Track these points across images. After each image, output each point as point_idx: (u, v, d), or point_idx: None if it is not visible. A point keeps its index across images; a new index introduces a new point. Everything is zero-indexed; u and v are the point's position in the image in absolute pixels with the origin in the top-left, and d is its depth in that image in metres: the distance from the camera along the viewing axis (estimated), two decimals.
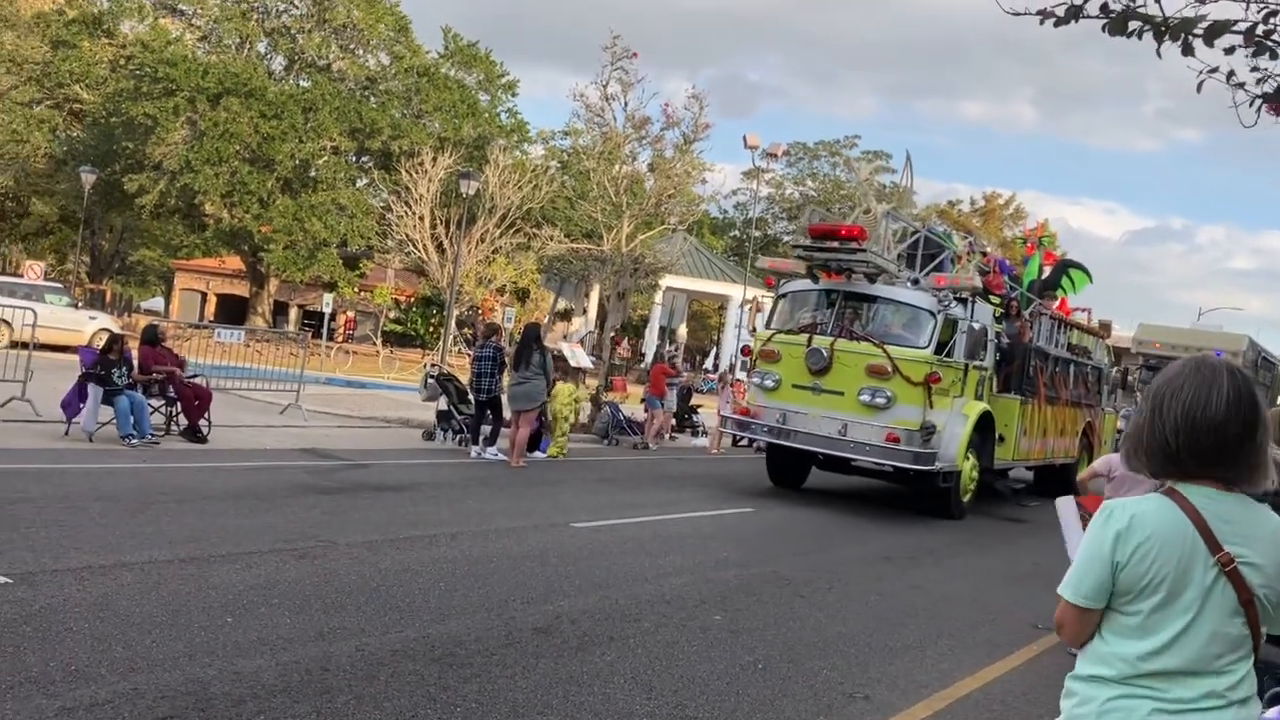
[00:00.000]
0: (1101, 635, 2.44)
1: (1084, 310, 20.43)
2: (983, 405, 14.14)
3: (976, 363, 14.04)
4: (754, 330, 14.87)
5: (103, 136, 41.78)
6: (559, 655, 5.94)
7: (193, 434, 12.95)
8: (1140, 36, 3.77)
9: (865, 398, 13.01)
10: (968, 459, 13.78)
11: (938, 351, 13.28)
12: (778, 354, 13.88)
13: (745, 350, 15.34)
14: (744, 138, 32.24)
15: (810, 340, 13.47)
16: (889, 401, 12.94)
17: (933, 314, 13.39)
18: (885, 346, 13.07)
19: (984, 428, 14.25)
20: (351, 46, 43.29)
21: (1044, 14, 3.89)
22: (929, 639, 7.46)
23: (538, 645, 6.08)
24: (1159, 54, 3.79)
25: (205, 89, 37.67)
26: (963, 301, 13.88)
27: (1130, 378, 24.33)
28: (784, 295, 14.85)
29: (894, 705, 5.84)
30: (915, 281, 14.10)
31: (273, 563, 7.28)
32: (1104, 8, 3.79)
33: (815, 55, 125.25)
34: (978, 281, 13.98)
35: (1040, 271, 18.59)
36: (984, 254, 17.52)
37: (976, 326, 13.60)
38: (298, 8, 42.33)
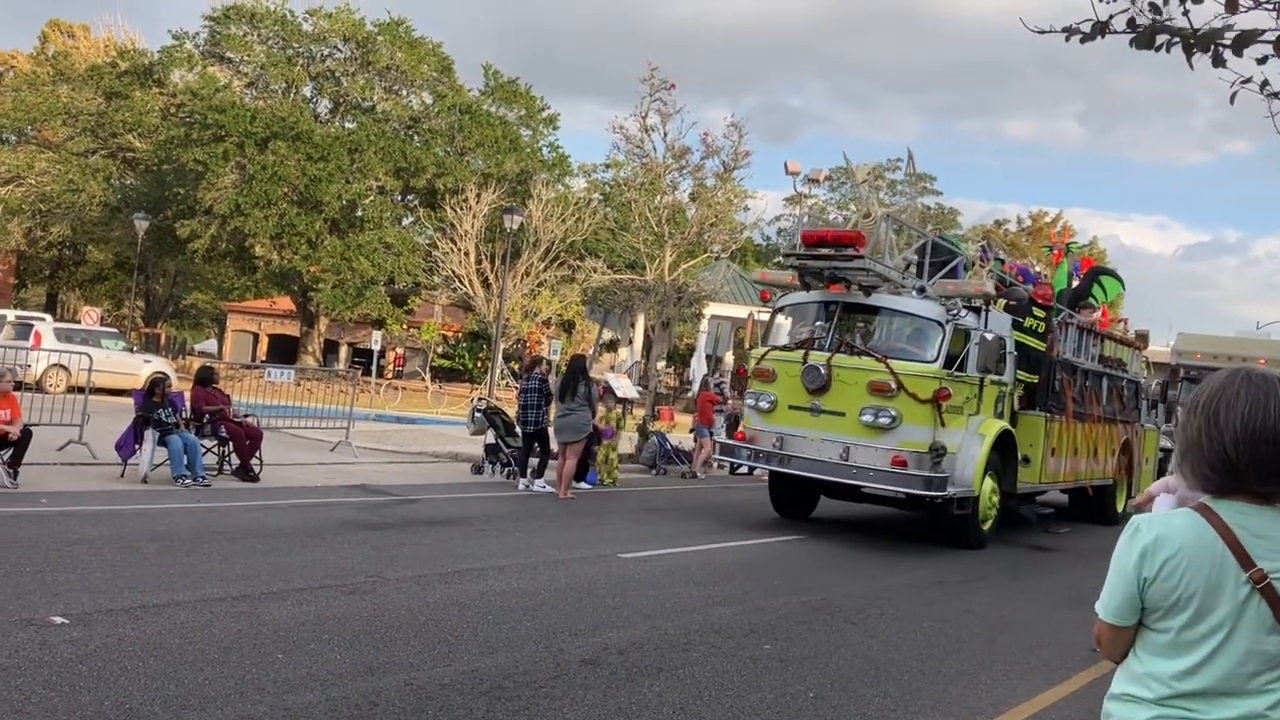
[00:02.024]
0: (1136, 654, 2.40)
1: (1120, 321, 19.80)
2: (1002, 424, 13.08)
3: (994, 377, 12.96)
4: (750, 348, 13.84)
5: (155, 183, 42.75)
6: (607, 687, 5.92)
7: (244, 473, 13.12)
8: (1169, 50, 3.74)
9: (867, 418, 11.97)
10: (986, 483, 12.75)
11: (948, 365, 12.22)
12: (773, 373, 12.79)
13: (740, 370, 14.34)
14: (785, 164, 32.20)
15: (806, 356, 12.45)
16: (894, 421, 11.88)
17: (941, 324, 12.33)
18: (888, 361, 12.04)
19: (1005, 448, 13.22)
20: (395, 87, 43.97)
21: (1069, 31, 3.88)
22: (983, 665, 7.34)
23: (586, 677, 6.07)
24: (1191, 66, 3.77)
25: (253, 134, 38.44)
26: (975, 310, 12.88)
27: (1171, 391, 23.18)
28: (780, 309, 13.82)
29: None
30: (921, 290, 12.88)
31: (323, 599, 7.34)
32: (1130, 22, 3.77)
33: (856, 79, 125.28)
34: (989, 287, 12.95)
35: (1070, 280, 17.62)
36: (1003, 261, 16.51)
37: (990, 337, 12.44)
38: (342, 51, 43.11)
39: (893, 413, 11.88)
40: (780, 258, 14.85)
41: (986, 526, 13.03)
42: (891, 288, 12.95)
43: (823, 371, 12.18)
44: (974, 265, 14.25)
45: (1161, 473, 20.68)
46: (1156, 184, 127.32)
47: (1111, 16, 3.79)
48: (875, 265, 12.39)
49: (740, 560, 10.76)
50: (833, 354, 12.34)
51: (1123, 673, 2.43)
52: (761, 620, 7.97)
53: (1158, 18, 3.77)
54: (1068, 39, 3.86)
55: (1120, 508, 17.60)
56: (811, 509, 14.30)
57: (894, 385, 11.90)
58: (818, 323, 13.12)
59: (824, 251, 12.32)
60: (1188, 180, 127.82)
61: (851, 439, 12.07)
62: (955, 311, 12.37)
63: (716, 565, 10.29)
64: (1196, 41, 3.62)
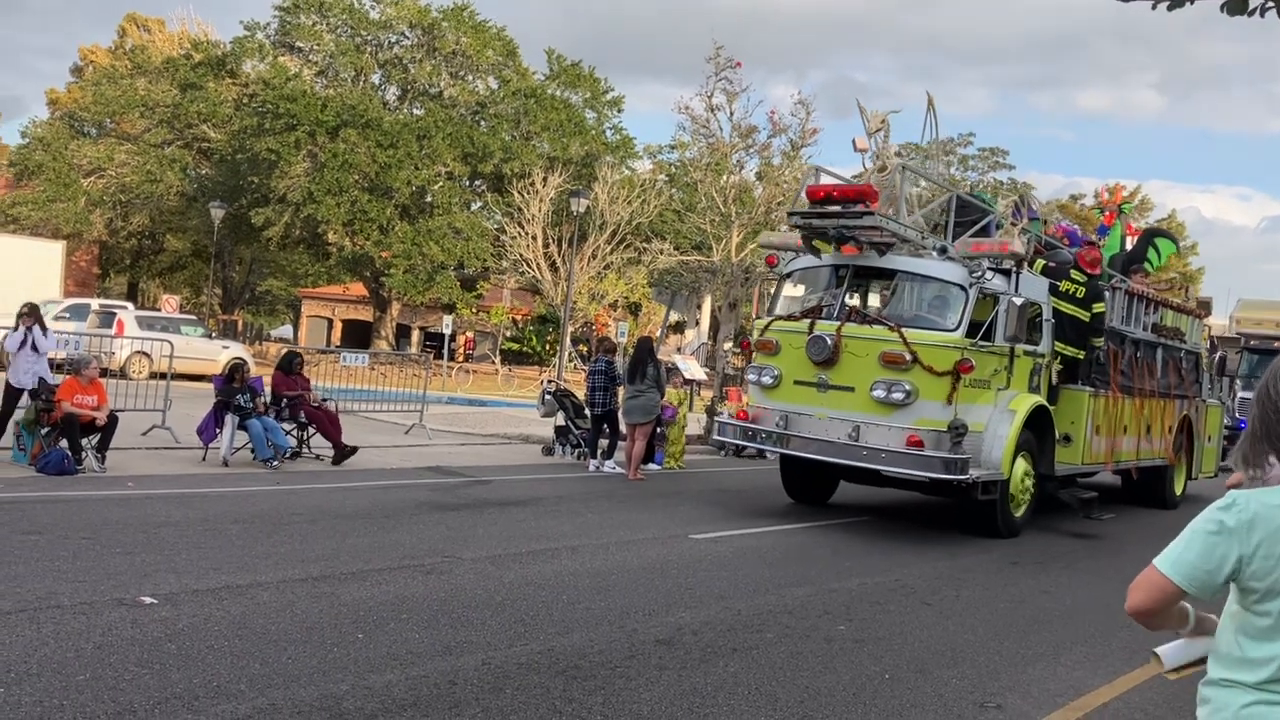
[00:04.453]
0: (1236, 639, 2.33)
1: (1180, 287, 18.80)
2: (1036, 399, 11.88)
3: (1027, 347, 11.79)
4: (755, 318, 12.91)
5: (230, 173, 43.62)
6: (682, 667, 5.94)
7: (340, 454, 13.29)
8: (1263, 14, 3.60)
9: (879, 393, 10.79)
10: (1018, 464, 11.58)
11: (972, 334, 11.01)
12: (776, 345, 11.69)
13: (744, 343, 13.22)
14: (853, 141, 31.82)
15: (812, 326, 11.32)
16: (908, 396, 10.71)
17: (963, 288, 11.14)
18: (902, 330, 10.88)
19: (1040, 426, 12.02)
20: (461, 73, 44.28)
21: None
22: (1062, 646, 7.24)
23: (660, 657, 6.09)
24: None
25: (324, 122, 39.00)
26: (1005, 273, 11.57)
27: (1230, 362, 21.04)
28: (788, 275, 12.59)
29: (1027, 715, 5.68)
30: (943, 250, 11.63)
31: (401, 579, 7.46)
32: None
33: (924, 53, 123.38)
34: (1018, 246, 11.56)
35: (1122, 244, 16.46)
36: (1045, 222, 15.40)
37: (1018, 301, 11.20)
38: (409, 38, 43.52)
39: (907, 387, 10.75)
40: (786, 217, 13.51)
41: (1019, 513, 11.87)
42: (911, 249, 11.76)
43: (829, 342, 11.03)
44: (1006, 224, 13.11)
45: (1227, 453, 19.85)
46: (1239, 154, 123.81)
47: None
48: (888, 223, 11.17)
49: (811, 541, 10.71)
50: (842, 323, 11.24)
51: (1219, 658, 2.37)
52: (835, 601, 7.93)
53: None
54: (1154, 7, 3.73)
55: (1180, 490, 16.47)
56: (830, 493, 13.38)
57: (908, 356, 10.77)
58: (828, 289, 11.99)
59: (831, 209, 11.14)
60: (1273, 149, 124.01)
61: (862, 416, 10.98)
62: (980, 274, 11.17)
63: (788, 546, 10.26)
64: None
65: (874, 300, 12.32)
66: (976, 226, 12.35)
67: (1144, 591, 2.35)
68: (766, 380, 11.75)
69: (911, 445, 10.68)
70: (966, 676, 6.26)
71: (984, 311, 11.28)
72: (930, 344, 10.87)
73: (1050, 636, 7.48)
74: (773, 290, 12.97)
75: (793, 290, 12.60)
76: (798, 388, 11.49)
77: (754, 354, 12.20)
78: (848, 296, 11.76)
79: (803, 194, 11.79)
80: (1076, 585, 9.49)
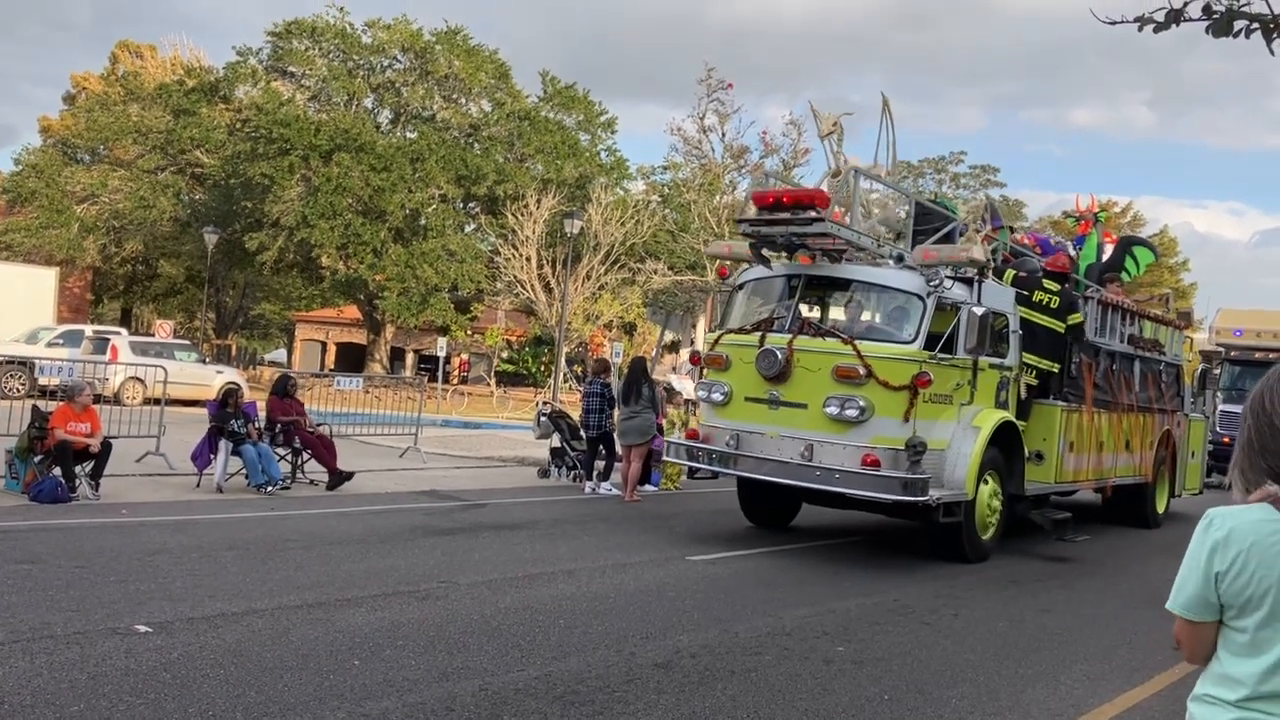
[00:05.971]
0: (1218, 654, 2.34)
1: (1160, 297, 18.55)
2: (1002, 414, 11.26)
3: (993, 360, 11.25)
4: (710, 330, 12.15)
5: (223, 198, 43.63)
6: (680, 691, 5.91)
7: (336, 479, 13.22)
8: (1248, 35, 3.63)
9: (833, 410, 10.19)
10: (984, 484, 11.01)
11: (930, 345, 10.42)
12: (726, 360, 11.09)
13: (694, 358, 12.69)
14: (845, 159, 31.86)
15: (763, 339, 10.76)
16: (863, 413, 10.11)
17: (920, 298, 10.57)
18: (855, 342, 10.30)
19: (1008, 443, 11.43)
20: (454, 96, 44.39)
21: (1142, 20, 3.77)
22: (1062, 665, 7.21)
23: (659, 681, 6.06)
24: (1271, 51, 3.65)
25: (317, 146, 39.06)
26: (967, 282, 11.06)
27: (1215, 371, 20.37)
28: (741, 286, 12.00)
29: None
30: (899, 258, 11.13)
31: (396, 605, 7.43)
32: (1206, 9, 3.66)
33: (916, 72, 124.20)
34: (978, 253, 10.86)
35: (1099, 252, 16.01)
36: (1013, 230, 14.95)
37: (979, 311, 10.56)
38: (401, 62, 43.63)
39: (861, 403, 10.16)
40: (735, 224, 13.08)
41: (987, 535, 11.26)
42: (868, 257, 11.26)
43: (780, 356, 10.46)
44: (970, 230, 12.58)
45: (1211, 470, 19.60)
46: (1230, 169, 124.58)
47: (1186, 3, 3.68)
48: (840, 230, 10.58)
49: (809, 562, 10.67)
50: (794, 335, 10.64)
51: (1206, 674, 2.38)
52: (834, 622, 7.90)
53: (1235, 3, 3.66)
54: (1140, 29, 3.75)
55: (1162, 508, 15.95)
56: (791, 517, 12.85)
57: (862, 370, 10.18)
58: (783, 300, 11.39)
59: (781, 215, 10.58)
60: (1263, 164, 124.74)
61: (815, 435, 10.38)
62: (938, 283, 10.58)
63: (785, 567, 10.23)
64: (1277, 26, 3.50)
65: (834, 313, 11.76)
66: (939, 234, 11.83)
67: (1184, 643, 2.41)
68: (716, 397, 11.18)
69: (867, 465, 10.11)
70: (966, 697, 6.24)
71: (943, 322, 10.74)
72: (885, 357, 10.34)
73: (1050, 656, 7.45)
74: (725, 303, 12.40)
75: (746, 303, 11.99)
76: (748, 405, 10.90)
77: (704, 370, 11.65)
78: (801, 308, 11.25)
79: (750, 201, 11.26)
80: (1076, 604, 9.46)
